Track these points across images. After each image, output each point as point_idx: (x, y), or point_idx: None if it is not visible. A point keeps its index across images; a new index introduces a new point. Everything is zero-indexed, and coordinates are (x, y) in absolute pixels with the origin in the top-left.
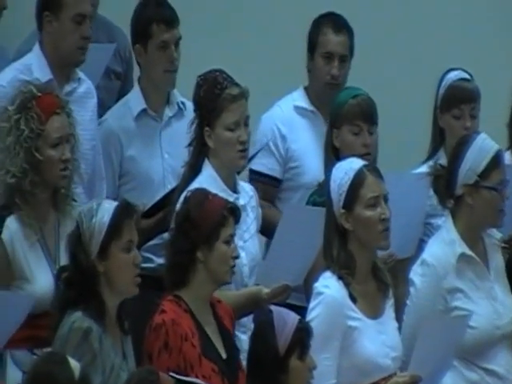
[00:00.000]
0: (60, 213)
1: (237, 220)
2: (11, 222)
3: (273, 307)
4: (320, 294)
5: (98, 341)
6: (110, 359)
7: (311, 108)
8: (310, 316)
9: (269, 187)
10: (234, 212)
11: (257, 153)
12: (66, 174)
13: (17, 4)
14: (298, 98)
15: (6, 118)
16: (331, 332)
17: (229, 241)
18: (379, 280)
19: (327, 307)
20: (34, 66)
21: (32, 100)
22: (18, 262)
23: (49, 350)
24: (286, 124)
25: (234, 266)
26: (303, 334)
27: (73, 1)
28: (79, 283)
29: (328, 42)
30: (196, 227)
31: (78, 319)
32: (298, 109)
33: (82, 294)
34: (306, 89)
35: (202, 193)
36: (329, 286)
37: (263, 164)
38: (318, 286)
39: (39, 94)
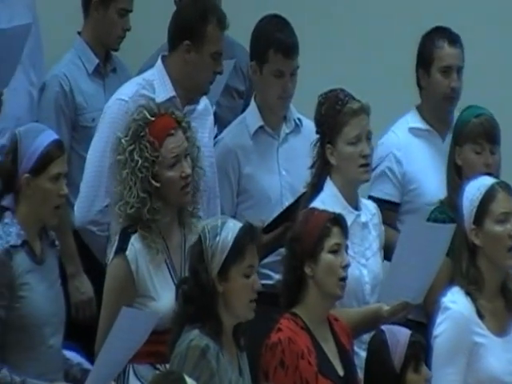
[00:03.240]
0: (186, 228)
1: (344, 230)
2: (136, 240)
3: (384, 326)
4: (447, 309)
5: (216, 358)
6: (228, 376)
7: (426, 127)
8: (436, 331)
9: (388, 212)
10: (338, 222)
11: (377, 167)
12: (187, 191)
13: (138, 26)
14: (412, 120)
15: (120, 150)
16: (458, 347)
17: (336, 250)
18: (508, 298)
19: (454, 322)
20: (157, 83)
21: (145, 127)
22: (141, 280)
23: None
24: (402, 148)
25: (345, 277)
26: (416, 347)
27: (216, 38)
28: (198, 300)
29: (446, 56)
30: (300, 243)
31: (195, 337)
32: (412, 130)
33: (200, 310)
34: (418, 108)
35: (310, 210)
36: (456, 301)
37: (381, 190)
38: (446, 300)
39: (152, 119)
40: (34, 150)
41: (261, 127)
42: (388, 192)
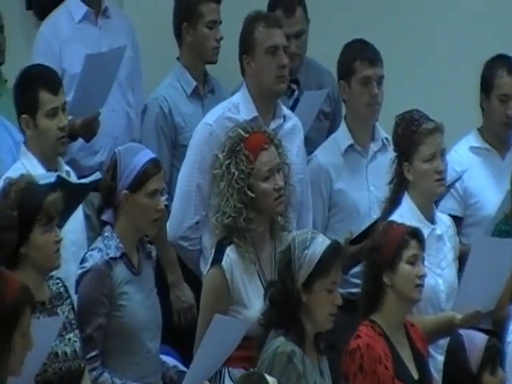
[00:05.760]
0: (277, 241)
1: (421, 243)
2: (231, 252)
3: (462, 331)
4: None
5: (301, 362)
6: (312, 378)
7: (486, 146)
8: (510, 337)
9: None
10: (416, 235)
11: (454, 182)
12: (280, 202)
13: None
14: (473, 140)
15: (217, 165)
16: None
17: (413, 261)
18: None
19: None
20: (241, 105)
21: (240, 143)
22: (236, 289)
23: None
24: (463, 165)
25: (422, 285)
26: (493, 351)
27: (264, 35)
28: (283, 306)
29: (504, 85)
30: (379, 253)
31: (281, 344)
32: (473, 149)
33: (284, 317)
34: (479, 129)
35: (389, 223)
36: None
37: (443, 205)
38: None
39: (246, 136)
40: (133, 167)
41: (350, 146)
42: (450, 207)
